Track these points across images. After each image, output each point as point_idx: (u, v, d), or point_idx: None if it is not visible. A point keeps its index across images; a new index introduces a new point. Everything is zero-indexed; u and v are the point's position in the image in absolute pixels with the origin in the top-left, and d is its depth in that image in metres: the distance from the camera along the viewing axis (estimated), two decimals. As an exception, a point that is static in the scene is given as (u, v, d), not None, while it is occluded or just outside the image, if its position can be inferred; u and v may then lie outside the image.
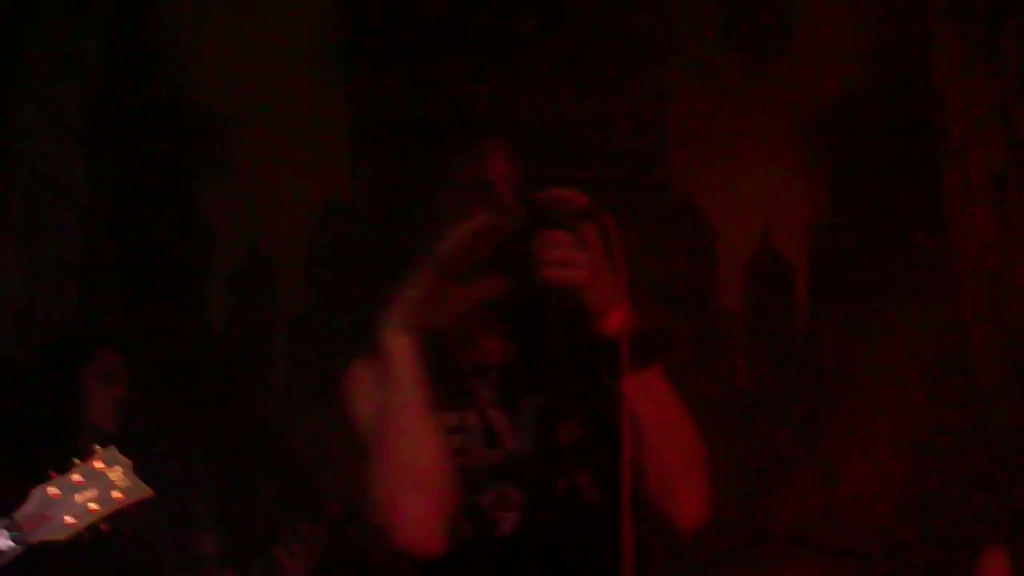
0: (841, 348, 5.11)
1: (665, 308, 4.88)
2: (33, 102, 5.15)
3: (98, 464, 2.59)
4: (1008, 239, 5.07)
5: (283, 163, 5.17)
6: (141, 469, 4.18)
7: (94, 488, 2.56)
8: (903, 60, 5.25)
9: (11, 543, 2.49)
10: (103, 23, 5.30)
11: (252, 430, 5.00)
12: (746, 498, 4.86)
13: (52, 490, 2.55)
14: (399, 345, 2.03)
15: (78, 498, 2.55)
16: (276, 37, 5.23)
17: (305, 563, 3.81)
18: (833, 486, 4.96)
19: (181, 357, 5.04)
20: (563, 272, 1.92)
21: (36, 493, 2.55)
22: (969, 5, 5.15)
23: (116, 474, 2.59)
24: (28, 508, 2.53)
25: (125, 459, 2.62)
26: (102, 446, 2.68)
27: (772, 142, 5.19)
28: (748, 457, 4.94)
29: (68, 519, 2.53)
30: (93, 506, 2.54)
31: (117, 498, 2.57)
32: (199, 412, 4.97)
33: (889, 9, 5.25)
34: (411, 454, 2.00)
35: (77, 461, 2.59)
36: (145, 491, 2.60)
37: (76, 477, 2.57)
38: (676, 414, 2.07)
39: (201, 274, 5.21)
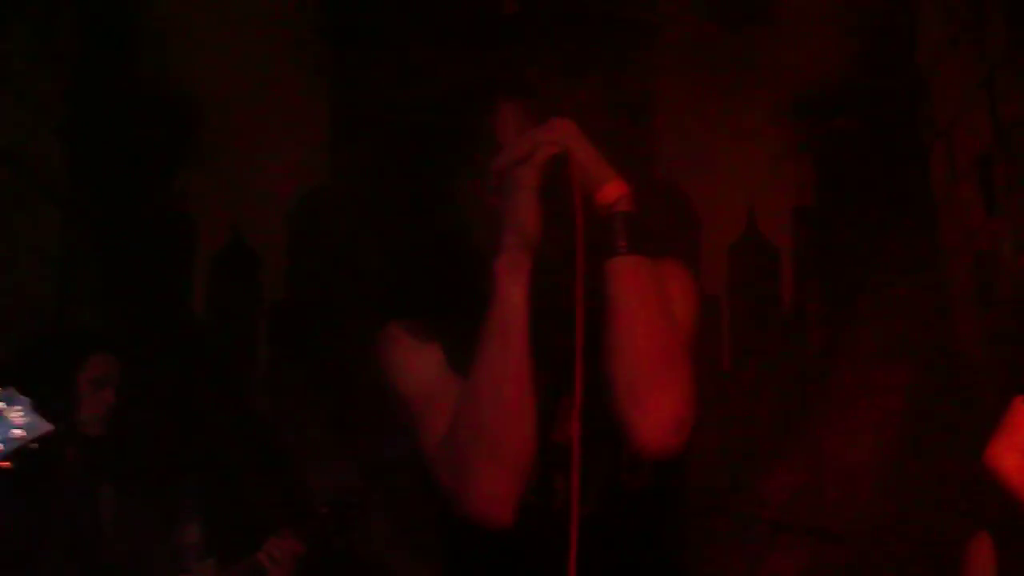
0: (826, 331, 5.10)
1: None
2: (11, 92, 5.11)
3: None
4: (993, 219, 5.05)
5: (264, 149, 5.15)
6: (125, 457, 4.16)
7: None
8: (888, 41, 5.23)
9: None
10: (80, 11, 5.26)
11: (236, 418, 4.99)
12: (732, 482, 4.85)
13: None
14: (518, 269, 1.86)
15: None
16: (256, 23, 5.21)
17: (287, 569, 3.78)
18: (819, 469, 4.95)
19: (164, 345, 5.01)
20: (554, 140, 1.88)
21: None
22: (954, -15, 5.14)
23: (15, 413, 2.57)
24: None
25: (25, 398, 2.59)
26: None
27: (757, 125, 5.18)
28: (733, 441, 4.93)
29: None
30: None
31: (16, 436, 2.54)
32: (182, 399, 4.95)
33: (874, -10, 5.24)
34: (503, 417, 1.83)
35: None
36: (45, 427, 2.58)
37: None
38: (659, 310, 1.89)
39: (183, 261, 5.19)
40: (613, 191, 1.91)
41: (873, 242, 5.07)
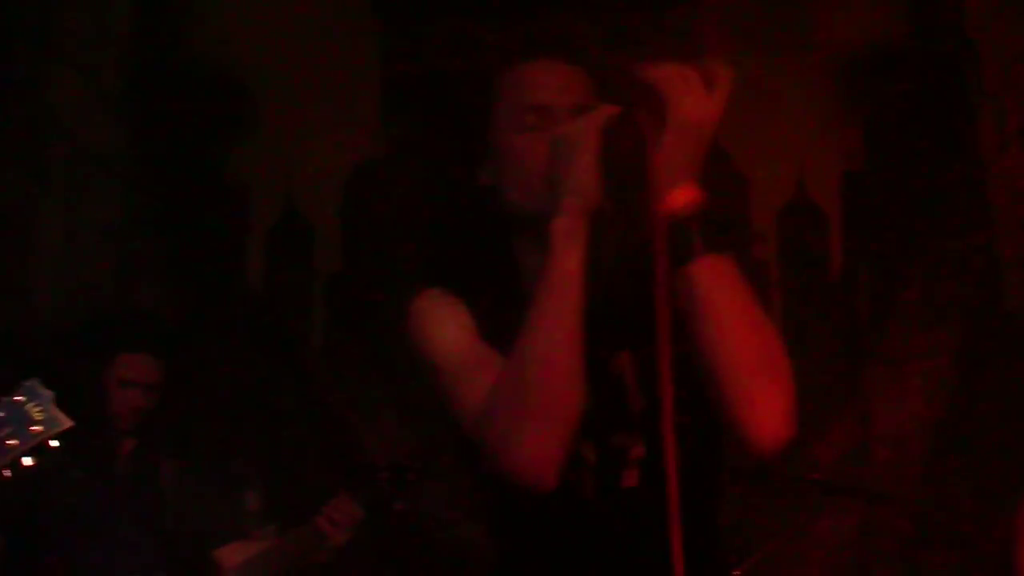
0: (876, 294, 5.10)
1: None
2: (69, 68, 5.19)
3: (18, 398, 2.52)
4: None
5: (316, 121, 5.20)
6: (183, 430, 4.23)
7: (12, 423, 2.45)
8: (937, 4, 5.21)
9: None
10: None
11: (292, 388, 5.05)
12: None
13: None
14: (576, 234, 1.83)
15: None
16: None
17: (346, 533, 3.81)
18: (868, 431, 4.97)
19: (220, 317, 5.09)
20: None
21: None
22: (1002, -52, 5.10)
23: (35, 408, 2.52)
24: None
25: (47, 392, 2.54)
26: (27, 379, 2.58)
27: (805, 89, 5.17)
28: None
29: None
30: (11, 441, 2.44)
31: (35, 431, 2.47)
32: (239, 371, 5.02)
33: (922, -46, 5.21)
34: (555, 374, 1.81)
35: None
36: (65, 423, 2.52)
37: None
38: (752, 309, 1.86)
39: (238, 234, 5.25)
40: (687, 193, 1.85)
41: (922, 206, 5.07)
